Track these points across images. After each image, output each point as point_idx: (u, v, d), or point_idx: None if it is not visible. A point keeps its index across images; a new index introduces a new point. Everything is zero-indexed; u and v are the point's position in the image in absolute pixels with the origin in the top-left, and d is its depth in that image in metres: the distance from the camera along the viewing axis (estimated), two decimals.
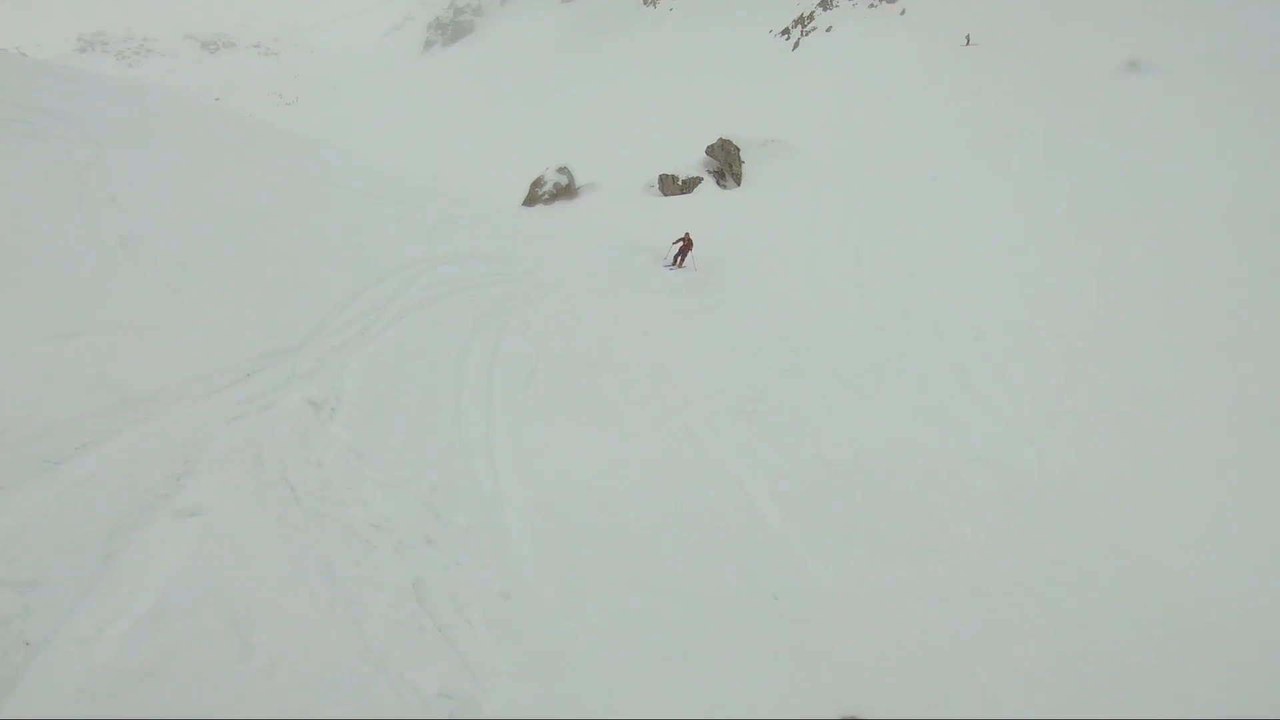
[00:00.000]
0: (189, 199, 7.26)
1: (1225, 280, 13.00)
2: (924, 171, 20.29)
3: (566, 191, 24.17)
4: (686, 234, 15.04)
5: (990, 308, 13.40)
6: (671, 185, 22.19)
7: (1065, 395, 10.71)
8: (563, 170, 24.89)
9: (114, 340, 4.18)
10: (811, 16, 42.94)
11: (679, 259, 14.99)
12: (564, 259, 12.36)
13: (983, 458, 8.72)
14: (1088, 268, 14.26)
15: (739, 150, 22.67)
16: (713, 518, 5.24)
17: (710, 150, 23.08)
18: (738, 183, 22.06)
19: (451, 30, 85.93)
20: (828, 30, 40.11)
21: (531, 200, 24.06)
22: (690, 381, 8.03)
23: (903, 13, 37.34)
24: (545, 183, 24.29)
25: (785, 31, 44.06)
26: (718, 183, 22.27)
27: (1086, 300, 13.26)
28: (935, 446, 8.76)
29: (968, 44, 30.03)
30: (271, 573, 2.93)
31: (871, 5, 40.13)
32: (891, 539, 5.98)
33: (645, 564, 4.34)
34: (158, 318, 4.68)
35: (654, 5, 61.47)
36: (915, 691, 4.16)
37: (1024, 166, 19.18)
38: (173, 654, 2.35)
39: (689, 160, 23.16)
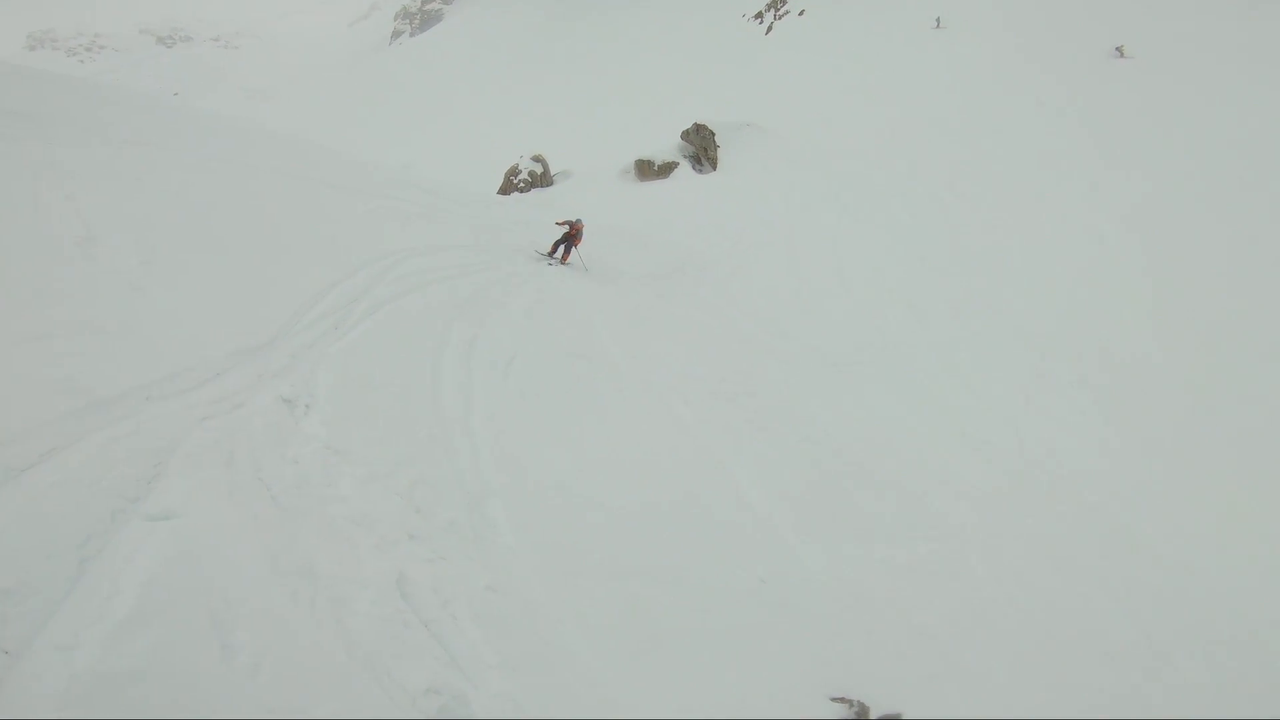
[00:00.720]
0: (149, 196, 7.05)
1: (1204, 263, 13.14)
2: (900, 153, 20.38)
3: (542, 180, 23.96)
4: (576, 221, 11.71)
5: (968, 287, 13.56)
6: (647, 170, 22.08)
7: (1043, 375, 10.85)
8: (537, 159, 24.64)
9: (78, 342, 4.06)
10: (784, 0, 42.76)
11: (562, 250, 11.72)
12: (540, 247, 12.26)
13: (965, 438, 8.85)
14: (1065, 248, 14.43)
15: (714, 135, 22.57)
16: (700, 504, 5.26)
17: (686, 135, 22.96)
18: (714, 167, 22.00)
19: (420, 19, 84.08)
20: (800, 14, 39.99)
21: (507, 189, 23.81)
22: (674, 368, 8.03)
23: None
24: (520, 171, 24.06)
25: (759, 15, 43.85)
26: (694, 167, 22.19)
27: (1065, 279, 13.43)
28: (918, 427, 8.88)
29: (938, 26, 30.16)
30: (250, 572, 2.89)
31: None
32: (877, 521, 6.07)
33: (632, 552, 4.35)
34: (122, 318, 4.56)
35: None
36: (901, 672, 4.24)
37: (1000, 148, 19.34)
38: (154, 657, 2.31)
39: (664, 145, 23.03)
